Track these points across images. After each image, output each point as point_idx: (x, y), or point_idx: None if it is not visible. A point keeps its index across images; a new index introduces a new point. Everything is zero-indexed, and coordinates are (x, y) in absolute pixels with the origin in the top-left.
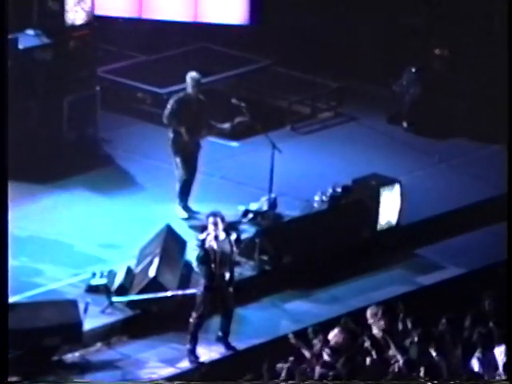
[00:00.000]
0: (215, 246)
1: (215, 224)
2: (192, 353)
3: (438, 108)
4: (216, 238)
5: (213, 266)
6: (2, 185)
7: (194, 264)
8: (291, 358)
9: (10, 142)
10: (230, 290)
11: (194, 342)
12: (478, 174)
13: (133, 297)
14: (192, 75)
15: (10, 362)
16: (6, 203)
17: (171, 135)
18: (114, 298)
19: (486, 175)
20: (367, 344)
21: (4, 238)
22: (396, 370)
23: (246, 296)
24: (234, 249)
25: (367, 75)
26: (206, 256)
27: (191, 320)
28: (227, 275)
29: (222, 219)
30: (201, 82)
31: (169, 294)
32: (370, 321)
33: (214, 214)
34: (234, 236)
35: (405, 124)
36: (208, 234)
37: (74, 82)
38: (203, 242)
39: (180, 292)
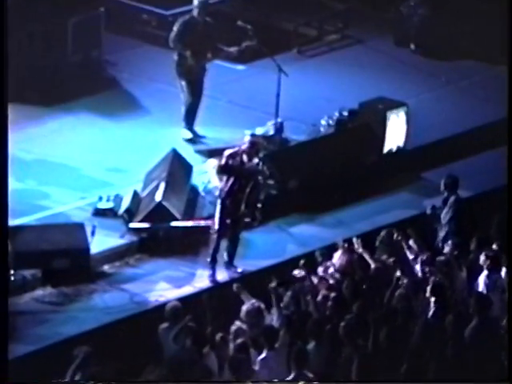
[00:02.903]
0: (240, 168)
1: (252, 144)
2: (212, 274)
3: (445, 29)
4: (248, 157)
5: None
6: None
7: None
8: (297, 274)
9: (15, 65)
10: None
11: (214, 262)
12: (486, 96)
13: (147, 224)
14: None
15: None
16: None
17: (176, 58)
18: (132, 225)
19: (493, 97)
20: (373, 266)
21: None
22: (403, 291)
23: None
24: (261, 180)
25: None
26: (227, 168)
27: (211, 241)
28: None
29: (259, 144)
30: (207, 4)
31: (189, 223)
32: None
33: (253, 135)
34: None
35: (412, 46)
36: (240, 152)
37: (79, 2)
38: (228, 160)
39: (191, 223)
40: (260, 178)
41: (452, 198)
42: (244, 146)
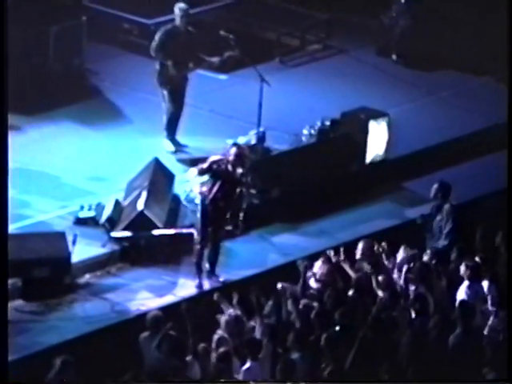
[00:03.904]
0: (225, 176)
1: (238, 156)
2: (199, 282)
3: (427, 40)
4: (232, 167)
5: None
6: None
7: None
8: (279, 286)
9: None
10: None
11: (199, 271)
12: (467, 107)
13: (129, 233)
14: (180, 6)
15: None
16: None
17: (158, 67)
18: (113, 234)
19: (474, 108)
20: (354, 276)
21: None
22: (383, 300)
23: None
24: (243, 188)
25: (356, 7)
26: (211, 171)
27: (194, 250)
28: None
29: (244, 156)
30: (189, 13)
31: (171, 231)
32: (360, 255)
33: (240, 146)
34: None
35: (394, 56)
36: (225, 161)
37: (60, 11)
38: (212, 164)
39: (173, 231)
40: (244, 188)
41: (447, 206)
42: (230, 158)
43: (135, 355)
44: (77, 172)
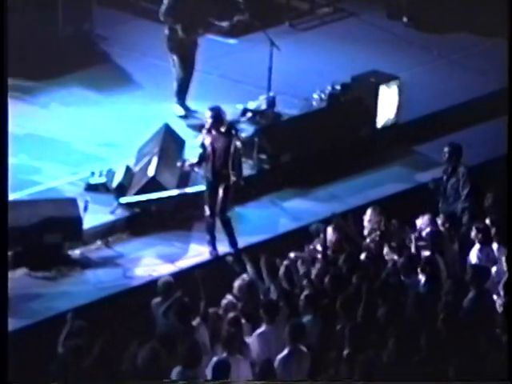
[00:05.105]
0: (214, 141)
1: (214, 117)
2: (212, 247)
3: (438, 2)
4: (215, 132)
5: (211, 162)
6: None
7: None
8: (291, 255)
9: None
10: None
11: (212, 237)
12: (478, 69)
13: (141, 197)
14: None
15: (12, 257)
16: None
17: (167, 32)
18: (122, 199)
19: (485, 69)
20: (366, 242)
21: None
22: (397, 265)
23: (244, 194)
24: (238, 144)
25: None
26: (203, 152)
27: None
28: (231, 175)
29: (221, 114)
30: None
31: (173, 192)
32: (368, 221)
33: (212, 109)
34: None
35: (405, 19)
36: (207, 131)
37: None
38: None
39: (178, 191)
40: (238, 143)
41: (462, 169)
42: (208, 123)
43: (147, 320)
44: (87, 138)
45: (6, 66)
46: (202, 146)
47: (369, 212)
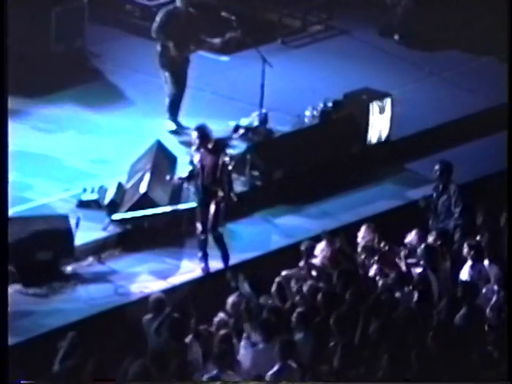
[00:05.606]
0: (203, 158)
1: (200, 137)
2: (205, 264)
3: (429, 20)
4: (204, 149)
5: (201, 179)
6: None
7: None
8: (283, 273)
9: None
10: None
11: (204, 254)
12: (470, 87)
13: (133, 214)
14: None
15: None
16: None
17: (159, 49)
18: (115, 216)
19: (477, 87)
20: (360, 258)
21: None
22: (388, 282)
23: (237, 211)
24: (226, 159)
25: None
26: (192, 169)
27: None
28: (219, 191)
29: (206, 131)
30: None
31: (166, 209)
32: (362, 238)
33: (198, 128)
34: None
35: (396, 36)
36: (195, 149)
37: None
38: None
39: (170, 208)
40: (226, 158)
41: (453, 186)
42: (196, 143)
43: (139, 337)
44: (79, 155)
45: (7, 84)
46: (191, 163)
47: (363, 229)
